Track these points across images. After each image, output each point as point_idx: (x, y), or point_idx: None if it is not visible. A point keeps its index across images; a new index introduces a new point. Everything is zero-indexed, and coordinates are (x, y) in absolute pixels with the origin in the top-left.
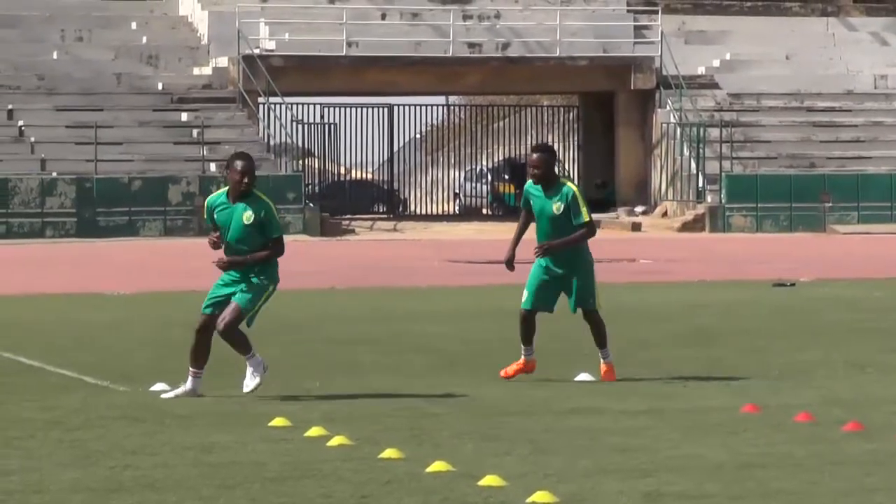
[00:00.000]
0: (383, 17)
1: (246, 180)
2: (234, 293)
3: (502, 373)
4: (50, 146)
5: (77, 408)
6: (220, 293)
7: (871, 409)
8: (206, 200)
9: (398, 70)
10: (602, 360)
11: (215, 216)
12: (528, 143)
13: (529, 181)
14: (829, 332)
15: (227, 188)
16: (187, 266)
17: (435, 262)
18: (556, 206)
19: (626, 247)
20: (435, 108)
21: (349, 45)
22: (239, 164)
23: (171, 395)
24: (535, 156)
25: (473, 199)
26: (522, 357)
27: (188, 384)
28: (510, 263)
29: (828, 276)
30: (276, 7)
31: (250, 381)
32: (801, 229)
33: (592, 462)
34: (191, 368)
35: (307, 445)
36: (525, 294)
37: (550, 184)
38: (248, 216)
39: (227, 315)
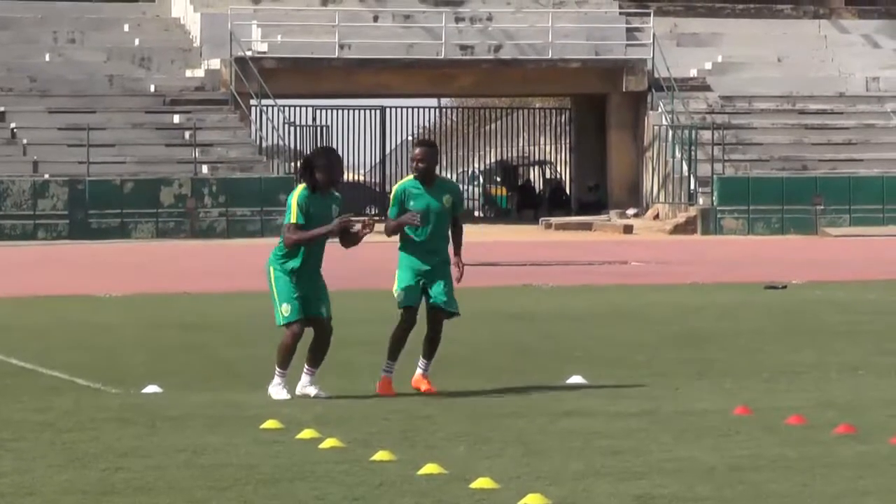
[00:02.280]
0: (375, 19)
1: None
2: (318, 297)
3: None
4: (42, 148)
5: (69, 410)
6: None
7: (864, 412)
8: (308, 198)
9: (390, 72)
10: (421, 371)
11: (311, 210)
12: (521, 145)
13: (408, 180)
14: (821, 334)
15: (305, 185)
16: (179, 268)
17: None
18: (447, 199)
19: (618, 249)
20: (427, 110)
21: (341, 47)
22: (339, 159)
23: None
24: (420, 150)
25: (465, 202)
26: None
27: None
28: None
29: (820, 278)
30: (269, 9)
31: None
32: (792, 232)
33: (584, 464)
34: (281, 370)
35: (299, 447)
36: (398, 292)
37: (432, 179)
38: (334, 208)
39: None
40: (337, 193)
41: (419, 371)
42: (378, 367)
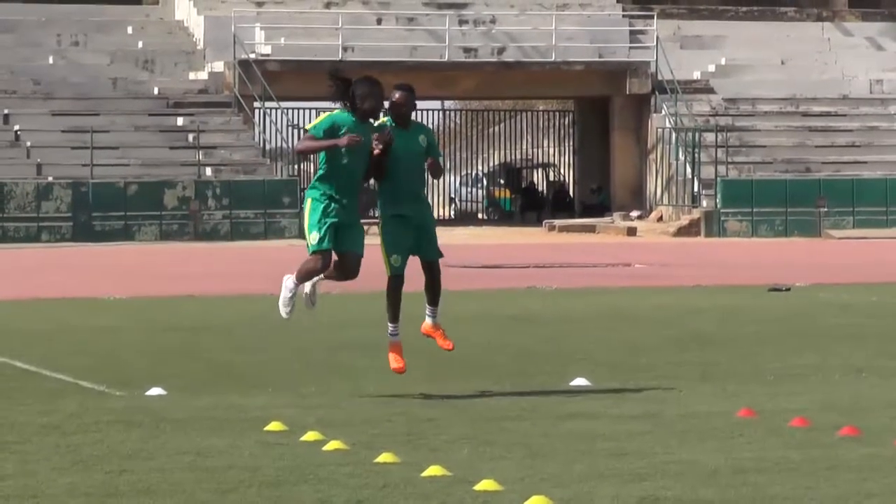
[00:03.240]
0: (379, 21)
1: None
2: (354, 233)
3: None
4: (46, 151)
5: (73, 412)
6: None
7: (868, 414)
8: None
9: (394, 75)
10: (430, 319)
11: (344, 133)
12: (524, 148)
13: (386, 120)
14: (824, 336)
15: (338, 110)
16: (183, 271)
17: None
18: (422, 138)
19: (622, 251)
20: (430, 112)
21: (345, 49)
22: (381, 90)
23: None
24: (400, 94)
25: (469, 204)
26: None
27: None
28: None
29: (823, 280)
30: (272, 12)
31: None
32: (796, 234)
33: (588, 466)
34: (296, 281)
35: (303, 450)
36: (394, 257)
37: (408, 123)
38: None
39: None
40: (374, 122)
41: (428, 319)
42: (380, 369)
